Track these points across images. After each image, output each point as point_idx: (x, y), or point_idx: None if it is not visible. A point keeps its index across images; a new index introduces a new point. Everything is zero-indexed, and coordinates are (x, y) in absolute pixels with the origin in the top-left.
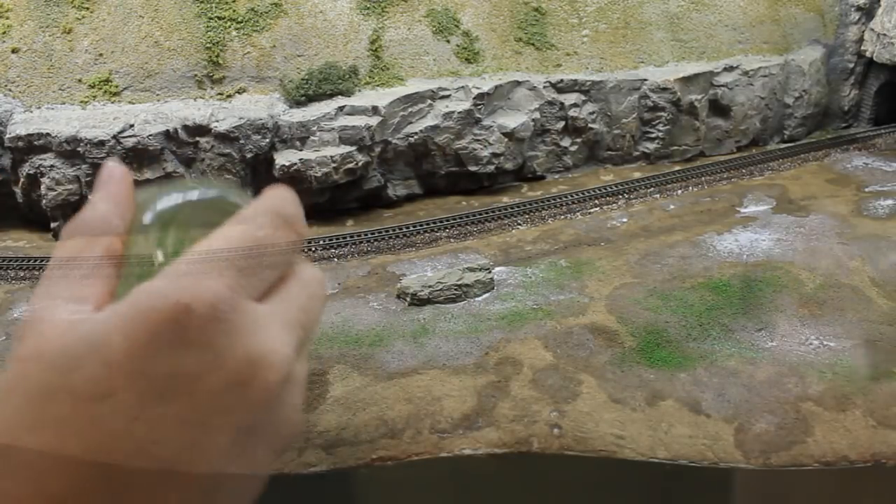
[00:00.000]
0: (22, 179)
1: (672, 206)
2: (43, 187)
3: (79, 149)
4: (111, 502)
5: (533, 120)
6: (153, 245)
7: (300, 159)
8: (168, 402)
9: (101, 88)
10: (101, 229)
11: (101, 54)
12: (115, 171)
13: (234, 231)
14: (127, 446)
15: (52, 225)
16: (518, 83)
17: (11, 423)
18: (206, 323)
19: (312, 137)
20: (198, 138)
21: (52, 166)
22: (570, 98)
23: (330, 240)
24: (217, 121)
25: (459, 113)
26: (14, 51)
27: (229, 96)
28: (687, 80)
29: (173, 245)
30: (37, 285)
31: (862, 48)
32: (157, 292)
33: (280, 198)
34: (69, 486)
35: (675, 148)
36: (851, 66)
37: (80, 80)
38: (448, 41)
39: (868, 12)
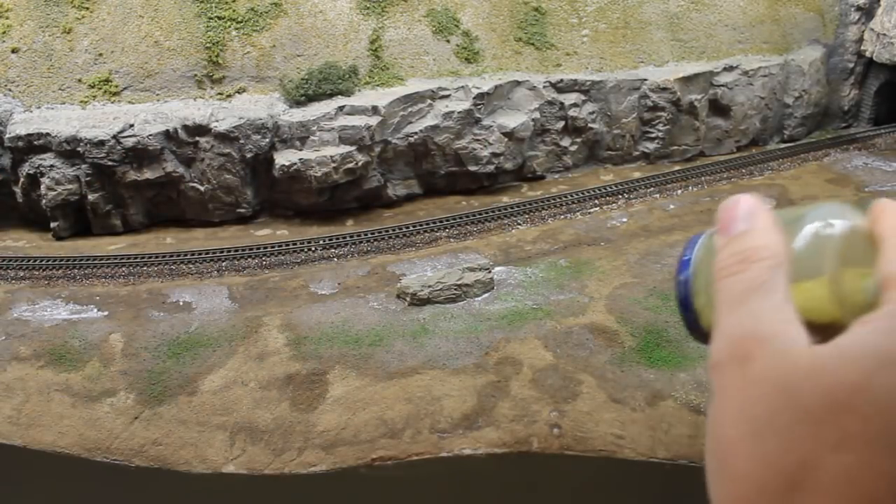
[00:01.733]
0: (22, 179)
1: (672, 206)
2: (43, 187)
3: (79, 149)
4: None
5: (533, 120)
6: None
7: (300, 159)
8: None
9: (100, 88)
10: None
11: (100, 54)
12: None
13: None
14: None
15: (52, 225)
16: (518, 83)
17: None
18: None
19: (312, 137)
20: (198, 138)
21: (51, 166)
22: (570, 98)
23: (330, 239)
24: (217, 121)
25: (459, 113)
26: (14, 51)
27: (229, 96)
28: (687, 80)
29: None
30: (733, 282)
31: (862, 48)
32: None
33: None
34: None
35: (675, 148)
36: (851, 65)
37: (79, 80)
38: (448, 41)
39: (868, 12)
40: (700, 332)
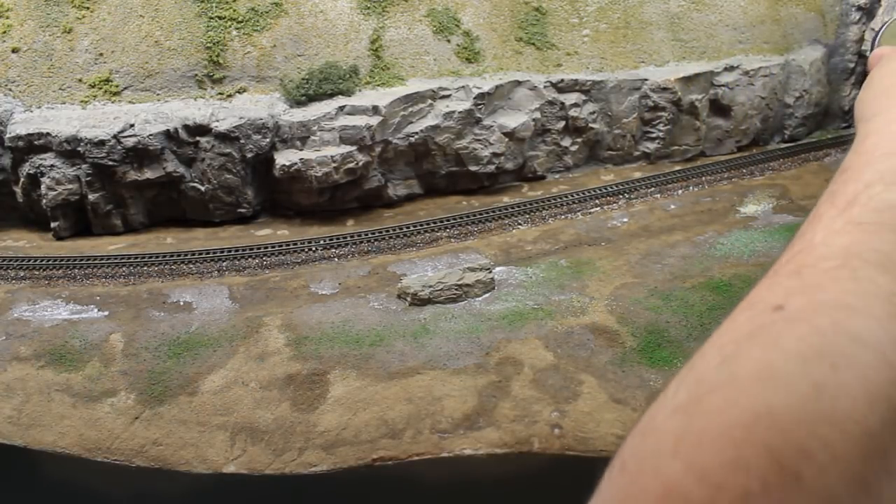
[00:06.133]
0: (22, 179)
1: (672, 206)
2: (43, 187)
3: (79, 148)
4: None
5: (533, 120)
6: None
7: (300, 159)
8: None
9: (101, 88)
10: None
11: (101, 54)
12: None
13: None
14: None
15: (52, 225)
16: (519, 83)
17: None
18: None
19: (313, 137)
20: (198, 138)
21: (52, 166)
22: (570, 98)
23: (330, 240)
24: (217, 120)
25: (460, 113)
26: (14, 51)
27: (230, 96)
28: (687, 80)
29: None
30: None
31: (862, 48)
32: None
33: None
34: None
35: (676, 148)
36: (852, 65)
37: (80, 80)
38: (448, 41)
39: (868, 12)
40: None
